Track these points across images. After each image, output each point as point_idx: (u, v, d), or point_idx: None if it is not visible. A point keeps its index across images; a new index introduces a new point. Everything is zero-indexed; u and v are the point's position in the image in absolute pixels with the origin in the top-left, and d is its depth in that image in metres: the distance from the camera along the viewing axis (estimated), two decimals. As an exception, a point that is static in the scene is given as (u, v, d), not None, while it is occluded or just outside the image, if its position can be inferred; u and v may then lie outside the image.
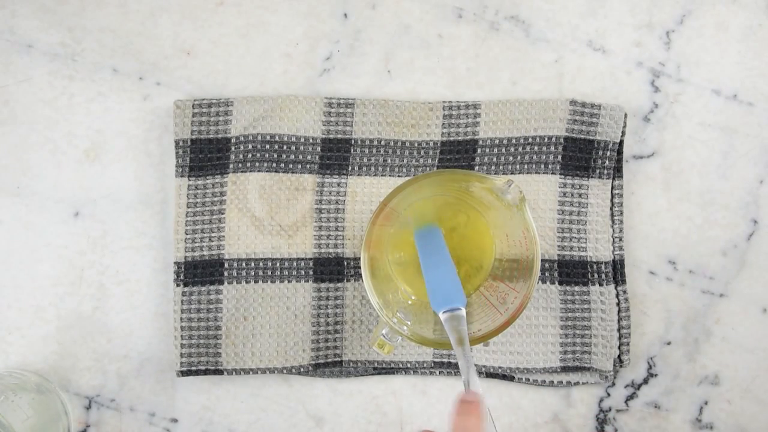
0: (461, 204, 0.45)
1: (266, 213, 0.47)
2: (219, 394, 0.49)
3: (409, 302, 0.43)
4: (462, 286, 0.40)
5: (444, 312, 0.38)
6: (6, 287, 0.49)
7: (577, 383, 0.48)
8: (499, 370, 0.47)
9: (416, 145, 0.48)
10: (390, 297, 0.42)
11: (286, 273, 0.47)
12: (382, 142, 0.48)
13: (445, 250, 0.41)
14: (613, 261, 0.48)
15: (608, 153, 0.47)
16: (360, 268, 0.41)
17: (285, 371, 0.47)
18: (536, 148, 0.47)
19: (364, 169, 0.48)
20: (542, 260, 0.47)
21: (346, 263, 0.48)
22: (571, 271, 0.47)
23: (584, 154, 0.47)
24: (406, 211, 0.44)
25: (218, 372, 0.47)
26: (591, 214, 0.47)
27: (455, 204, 0.45)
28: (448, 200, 0.45)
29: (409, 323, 0.40)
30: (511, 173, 0.48)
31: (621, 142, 0.48)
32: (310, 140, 0.48)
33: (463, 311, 0.38)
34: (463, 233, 0.44)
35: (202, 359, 0.47)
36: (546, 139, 0.47)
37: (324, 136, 0.48)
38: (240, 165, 0.47)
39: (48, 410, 0.46)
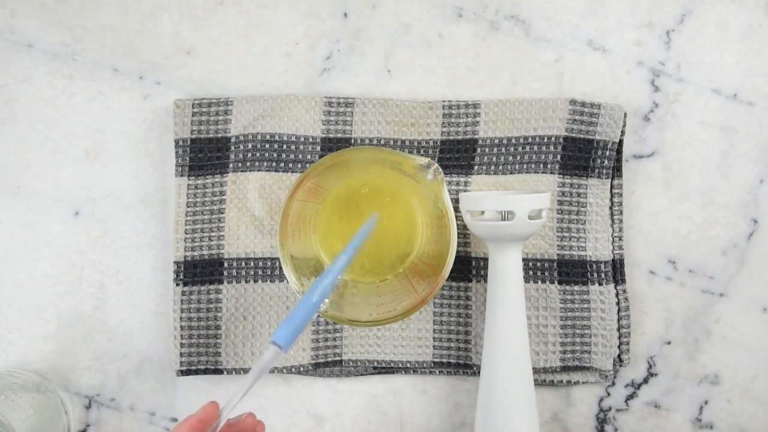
0: (391, 185, 0.45)
1: (266, 213, 0.47)
2: (219, 394, 0.49)
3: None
4: (388, 267, 0.44)
5: (277, 344, 0.35)
6: (6, 287, 0.49)
7: (577, 382, 0.48)
8: (499, 370, 0.47)
9: (416, 144, 0.48)
10: (311, 273, 0.43)
11: (286, 272, 0.47)
12: (382, 141, 0.48)
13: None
14: (613, 260, 0.48)
15: (607, 153, 0.47)
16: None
17: (285, 371, 0.47)
18: (536, 147, 0.47)
19: (364, 168, 0.48)
20: (542, 260, 0.47)
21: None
22: (570, 271, 0.47)
23: (583, 153, 0.47)
24: (335, 191, 0.45)
25: (218, 371, 0.47)
26: (590, 214, 0.47)
27: (385, 185, 0.46)
28: (378, 181, 0.46)
29: (326, 300, 0.41)
30: (510, 173, 0.48)
31: (620, 142, 0.48)
32: (310, 140, 0.48)
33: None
34: (391, 214, 0.45)
35: (201, 359, 0.47)
36: (545, 139, 0.47)
37: (324, 136, 0.48)
38: (240, 164, 0.47)
39: (48, 409, 0.46)
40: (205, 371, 0.47)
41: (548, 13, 0.49)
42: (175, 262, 0.47)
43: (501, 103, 0.48)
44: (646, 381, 0.49)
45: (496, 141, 0.48)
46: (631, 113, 0.49)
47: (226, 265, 0.47)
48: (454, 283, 0.48)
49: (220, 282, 0.47)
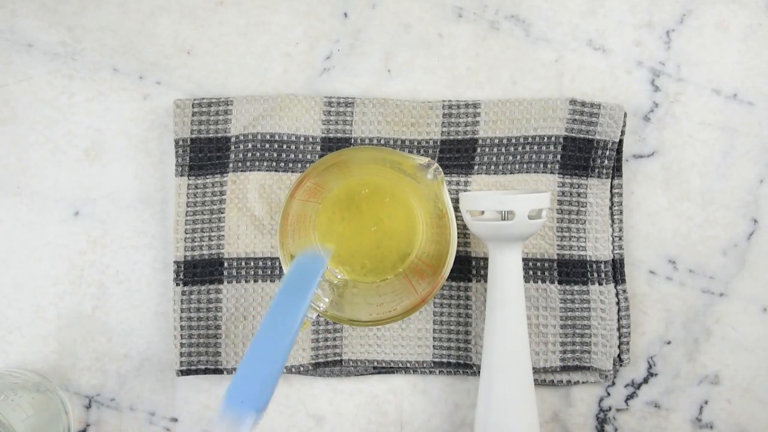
0: (391, 185, 0.45)
1: (266, 212, 0.47)
2: (219, 394, 0.49)
3: (335, 281, 0.44)
4: (389, 267, 0.43)
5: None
6: (6, 287, 0.49)
7: (577, 382, 0.48)
8: (499, 370, 0.47)
9: (416, 143, 0.48)
10: None
11: (286, 272, 0.47)
12: (382, 141, 0.48)
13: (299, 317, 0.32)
14: (613, 260, 0.48)
15: (607, 152, 0.47)
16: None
17: (285, 371, 0.47)
18: (536, 147, 0.47)
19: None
20: (542, 260, 0.47)
21: (345, 263, 0.48)
22: (570, 271, 0.47)
23: (583, 153, 0.47)
24: (335, 191, 0.45)
25: (218, 371, 0.47)
26: (590, 214, 0.47)
27: (385, 185, 0.46)
28: (378, 181, 0.46)
29: (327, 300, 0.41)
30: (510, 173, 0.48)
31: (621, 142, 0.48)
32: (310, 139, 0.48)
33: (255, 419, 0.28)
34: (391, 214, 0.45)
35: (201, 358, 0.47)
36: (545, 139, 0.47)
37: (324, 135, 0.48)
38: (240, 164, 0.47)
39: (48, 409, 0.46)
40: (205, 371, 0.47)
41: (548, 13, 0.49)
42: (175, 262, 0.47)
43: (501, 103, 0.48)
44: (646, 381, 0.49)
45: (496, 141, 0.48)
46: (631, 113, 0.49)
47: (226, 264, 0.47)
48: (454, 283, 0.48)
49: (220, 282, 0.47)
